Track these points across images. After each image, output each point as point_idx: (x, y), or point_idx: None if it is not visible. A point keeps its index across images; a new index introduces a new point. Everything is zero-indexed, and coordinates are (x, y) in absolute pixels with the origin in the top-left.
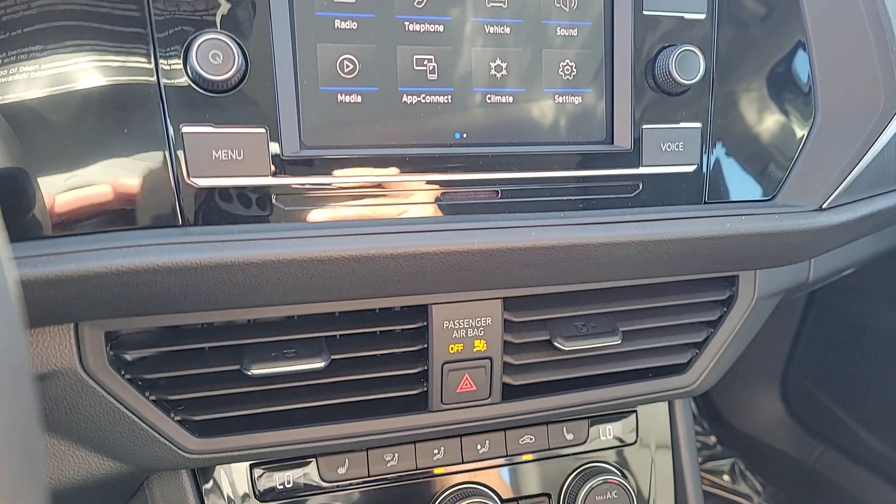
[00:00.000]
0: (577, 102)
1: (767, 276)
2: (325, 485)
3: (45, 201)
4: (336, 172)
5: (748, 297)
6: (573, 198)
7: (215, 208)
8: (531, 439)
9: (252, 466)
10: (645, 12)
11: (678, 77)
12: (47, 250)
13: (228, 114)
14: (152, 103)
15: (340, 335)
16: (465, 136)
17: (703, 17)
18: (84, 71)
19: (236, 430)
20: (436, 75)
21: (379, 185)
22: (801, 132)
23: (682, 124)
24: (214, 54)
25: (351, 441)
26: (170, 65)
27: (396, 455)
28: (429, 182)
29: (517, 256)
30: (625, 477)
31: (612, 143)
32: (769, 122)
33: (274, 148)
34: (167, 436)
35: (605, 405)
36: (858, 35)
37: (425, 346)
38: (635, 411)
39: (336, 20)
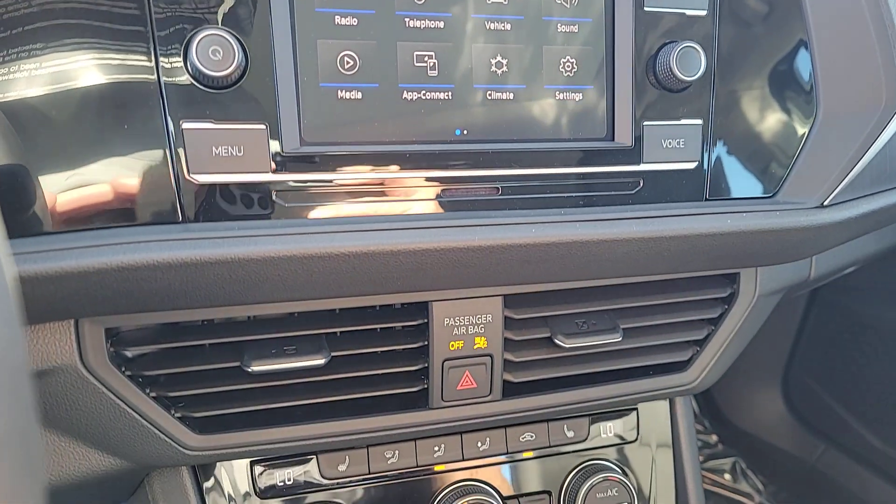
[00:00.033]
0: (577, 99)
1: (769, 274)
2: (325, 482)
3: (45, 198)
4: (336, 169)
5: (749, 294)
6: (574, 194)
7: (215, 205)
8: (532, 437)
9: (252, 463)
10: (646, 8)
11: (679, 73)
12: (47, 246)
13: (229, 110)
14: (152, 99)
15: (341, 332)
16: (465, 132)
17: (704, 13)
18: (84, 67)
19: (237, 427)
20: (436, 72)
21: (379, 182)
22: (802, 129)
23: (684, 121)
24: (214, 50)
25: (351, 438)
26: (170, 61)
27: (397, 452)
28: (429, 179)
29: (517, 253)
30: (625, 474)
31: (613, 139)
32: (770, 119)
33: (274, 144)
34: (167, 432)
35: (605, 403)
36: (860, 32)
37: (426, 343)
38: (636, 409)
39: (336, 16)
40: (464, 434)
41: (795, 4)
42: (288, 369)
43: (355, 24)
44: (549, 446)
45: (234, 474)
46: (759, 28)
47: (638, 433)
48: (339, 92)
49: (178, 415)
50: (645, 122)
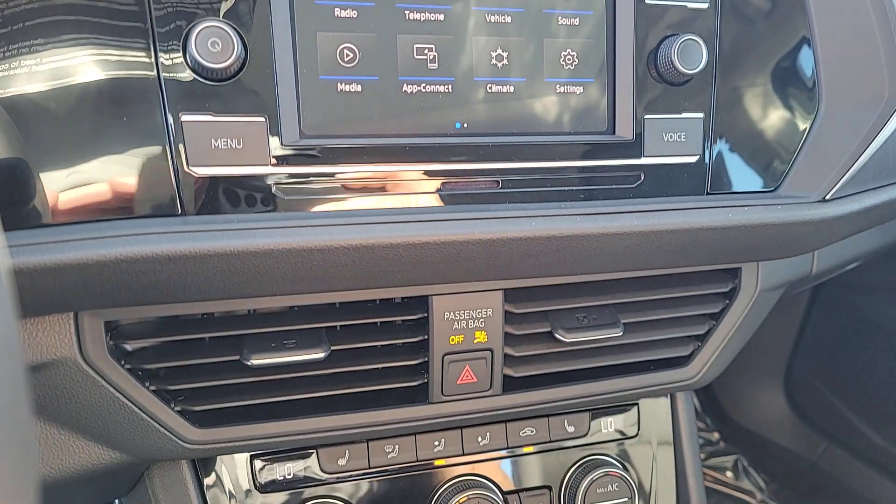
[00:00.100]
0: (578, 92)
1: (770, 269)
2: (325, 476)
3: (44, 190)
4: (336, 162)
5: (751, 289)
6: (574, 188)
7: (214, 197)
8: (532, 431)
9: (252, 457)
10: (647, 1)
11: (680, 67)
12: (46, 238)
13: (228, 102)
14: (151, 91)
15: (341, 326)
16: (465, 125)
17: (705, 6)
18: (83, 60)
19: (236, 421)
20: (436, 64)
21: (379, 175)
22: (804, 123)
23: (685, 114)
24: (213, 42)
25: (351, 432)
26: (169, 53)
27: (397, 446)
28: (429, 172)
29: (518, 246)
30: (626, 470)
31: (614, 133)
32: (772, 113)
33: (273, 137)
34: (167, 426)
35: (606, 398)
36: (863, 25)
37: (426, 337)
38: (637, 404)
39: (336, 8)
40: (464, 429)
41: None
42: (288, 363)
43: (355, 16)
44: (550, 441)
45: (234, 468)
46: (761, 21)
47: (639, 429)
48: (339, 85)
49: (177, 408)
50: (646, 116)
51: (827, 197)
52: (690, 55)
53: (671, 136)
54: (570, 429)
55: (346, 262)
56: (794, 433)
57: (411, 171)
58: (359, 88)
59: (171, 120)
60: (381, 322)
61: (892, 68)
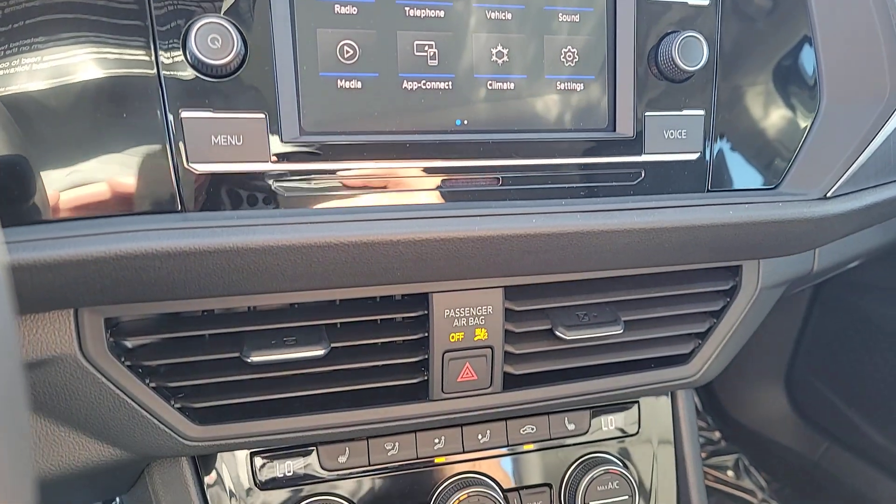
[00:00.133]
0: (579, 89)
1: (771, 266)
2: (325, 473)
3: (44, 186)
4: (336, 159)
5: (752, 287)
6: (575, 185)
7: (214, 194)
8: (532, 429)
9: (252, 454)
10: None
11: (681, 64)
12: (46, 235)
13: (228, 99)
14: (151, 88)
15: (341, 323)
16: (465, 122)
17: (706, 2)
18: (82, 57)
19: (236, 418)
20: (436, 61)
21: (379, 172)
22: (805, 120)
23: (686, 112)
24: (213, 38)
25: (351, 429)
26: (169, 49)
27: (397, 444)
28: (429, 169)
29: (518, 244)
30: (626, 468)
31: (615, 130)
32: (773, 110)
33: (273, 133)
34: (167, 423)
35: (606, 395)
36: (865, 23)
37: (426, 334)
38: (637, 402)
39: (336, 5)
40: (464, 426)
41: None
42: (288, 360)
43: (355, 12)
44: (550, 439)
45: (235, 465)
46: (762, 18)
47: (639, 427)
48: (339, 81)
49: (177, 405)
50: (647, 113)
51: (828, 194)
52: (691, 52)
53: (672, 134)
54: (571, 426)
55: (346, 259)
56: (795, 432)
57: (411, 168)
58: (359, 85)
59: (170, 116)
60: (381, 319)
61: (893, 66)
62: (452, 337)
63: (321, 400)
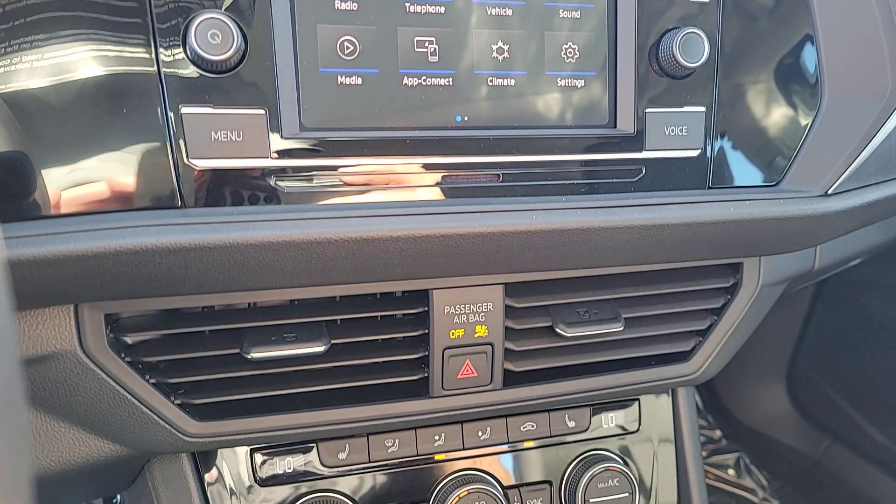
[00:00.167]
0: (579, 86)
1: (772, 264)
2: (325, 470)
3: (44, 182)
4: (336, 155)
5: (752, 284)
6: (575, 182)
7: (214, 190)
8: (533, 426)
9: (252, 451)
10: None
11: (682, 60)
12: (46, 230)
13: (228, 95)
14: (151, 84)
15: (341, 320)
16: (466, 119)
17: None
18: (82, 52)
19: (237, 414)
20: (437, 57)
21: (379, 168)
22: (806, 117)
23: (686, 108)
24: (213, 34)
25: (351, 426)
26: (169, 45)
27: (397, 441)
28: (429, 165)
29: (518, 240)
30: (627, 465)
31: (615, 126)
32: (774, 107)
33: (273, 129)
34: (167, 419)
35: (607, 392)
36: (866, 20)
37: (426, 331)
38: (638, 399)
39: (336, 1)
40: (464, 423)
41: None
42: (288, 356)
43: (355, 8)
44: (550, 436)
45: (235, 462)
46: (763, 15)
47: (640, 424)
48: (339, 77)
49: (177, 401)
50: (647, 110)
51: (829, 191)
52: (692, 48)
53: (673, 130)
54: (571, 424)
55: (346, 255)
56: (796, 431)
57: (411, 165)
58: (359, 81)
59: (170, 112)
60: (381, 316)
61: (894, 63)
62: (453, 334)
63: (321, 396)
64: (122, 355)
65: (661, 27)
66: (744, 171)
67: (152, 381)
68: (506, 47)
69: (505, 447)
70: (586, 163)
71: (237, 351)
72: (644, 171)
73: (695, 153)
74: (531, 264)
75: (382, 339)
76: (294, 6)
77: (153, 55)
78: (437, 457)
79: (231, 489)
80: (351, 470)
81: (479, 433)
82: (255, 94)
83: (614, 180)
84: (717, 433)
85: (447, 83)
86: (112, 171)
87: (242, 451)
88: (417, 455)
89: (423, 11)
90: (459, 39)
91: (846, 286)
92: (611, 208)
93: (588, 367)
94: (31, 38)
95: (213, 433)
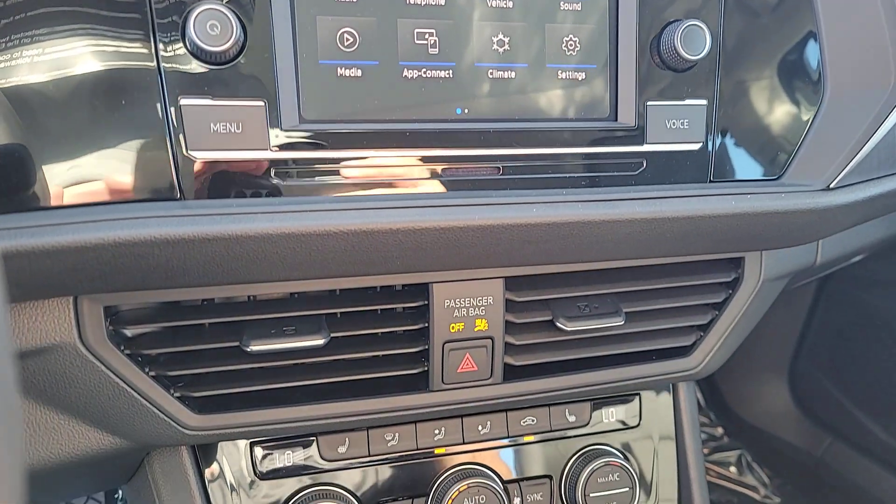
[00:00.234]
0: (580, 79)
1: (774, 258)
2: (325, 464)
3: (43, 173)
4: (335, 147)
5: (754, 279)
6: (576, 175)
7: (213, 182)
8: (533, 420)
9: (252, 445)
10: None
11: (684, 53)
12: (45, 221)
13: (227, 87)
14: (150, 75)
15: (341, 313)
16: (466, 111)
17: None
18: (81, 43)
19: (236, 407)
20: (437, 49)
21: (378, 161)
22: (808, 111)
23: (688, 101)
24: (212, 25)
25: (351, 420)
26: (168, 36)
27: (397, 435)
28: (429, 158)
29: (519, 233)
30: (627, 460)
31: (616, 119)
32: (776, 100)
33: (273, 121)
34: (167, 412)
35: (607, 387)
36: (869, 13)
37: (426, 324)
38: (638, 394)
39: None
40: (464, 417)
41: None
42: (287, 349)
43: (355, 0)
44: (551, 430)
45: (234, 455)
46: (765, 7)
47: (640, 419)
48: (339, 69)
49: (177, 394)
50: (649, 103)
51: (831, 185)
52: (694, 41)
53: (674, 123)
54: (572, 418)
55: (346, 248)
56: (798, 428)
57: (411, 157)
58: (359, 73)
59: (170, 104)
60: (381, 309)
61: None
62: (453, 327)
63: (321, 390)
64: (122, 348)
65: (662, 20)
66: (745, 164)
67: (152, 373)
68: (506, 40)
69: (505, 441)
70: (587, 156)
71: (237, 344)
72: (645, 165)
73: (696, 146)
74: (531, 258)
75: (382, 333)
76: None
77: (152, 46)
78: (437, 451)
79: (231, 482)
80: (351, 464)
81: (479, 427)
82: (254, 85)
83: (615, 173)
84: (719, 430)
85: (447, 75)
86: (111, 162)
87: (242, 444)
88: (417, 449)
89: (423, 3)
90: (460, 31)
91: (849, 283)
92: (612, 201)
93: (588, 361)
94: (31, 32)
95: (213, 426)
